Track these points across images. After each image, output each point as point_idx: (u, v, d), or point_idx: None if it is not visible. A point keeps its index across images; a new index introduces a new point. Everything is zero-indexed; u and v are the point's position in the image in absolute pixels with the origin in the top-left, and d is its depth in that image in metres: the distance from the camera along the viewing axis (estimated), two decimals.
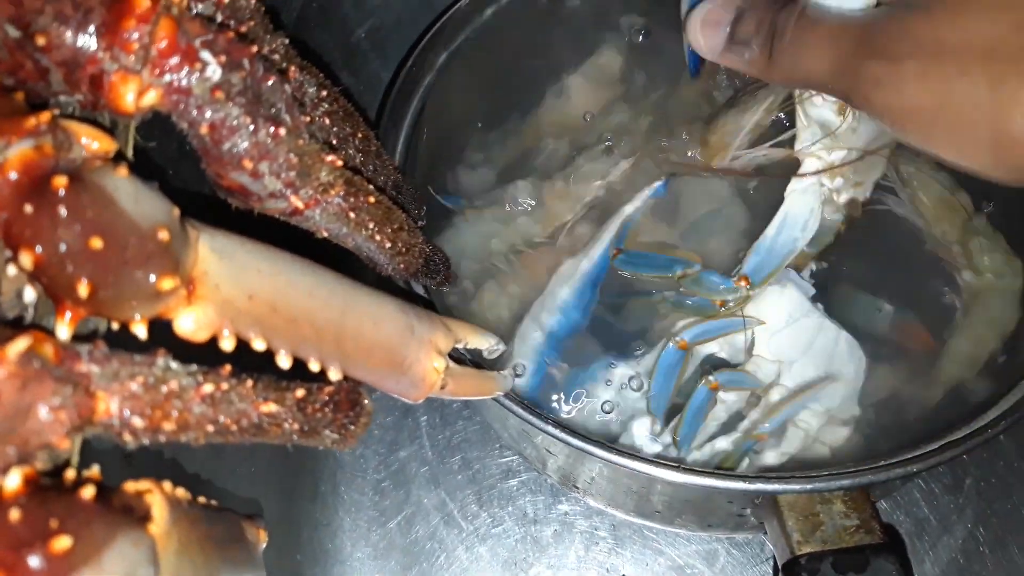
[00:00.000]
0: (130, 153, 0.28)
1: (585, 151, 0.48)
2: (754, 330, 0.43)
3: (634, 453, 0.35)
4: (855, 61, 0.30)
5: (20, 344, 0.18)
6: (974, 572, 0.50)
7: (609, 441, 0.39)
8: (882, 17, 0.31)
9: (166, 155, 0.31)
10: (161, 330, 0.24)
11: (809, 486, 0.34)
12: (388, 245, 0.31)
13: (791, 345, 0.42)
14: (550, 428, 0.36)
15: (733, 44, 0.35)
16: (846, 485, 0.34)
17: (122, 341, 0.23)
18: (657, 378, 0.42)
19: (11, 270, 0.21)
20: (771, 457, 0.41)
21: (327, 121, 0.31)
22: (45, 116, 0.21)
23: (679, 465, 0.35)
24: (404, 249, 0.32)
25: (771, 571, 0.49)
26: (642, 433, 0.42)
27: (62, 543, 0.18)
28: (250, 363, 0.26)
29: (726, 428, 0.42)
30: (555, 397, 0.43)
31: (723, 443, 0.40)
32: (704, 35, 0.36)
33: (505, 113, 0.50)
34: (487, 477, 0.53)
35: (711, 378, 0.41)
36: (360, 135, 0.32)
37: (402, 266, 0.33)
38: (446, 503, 0.53)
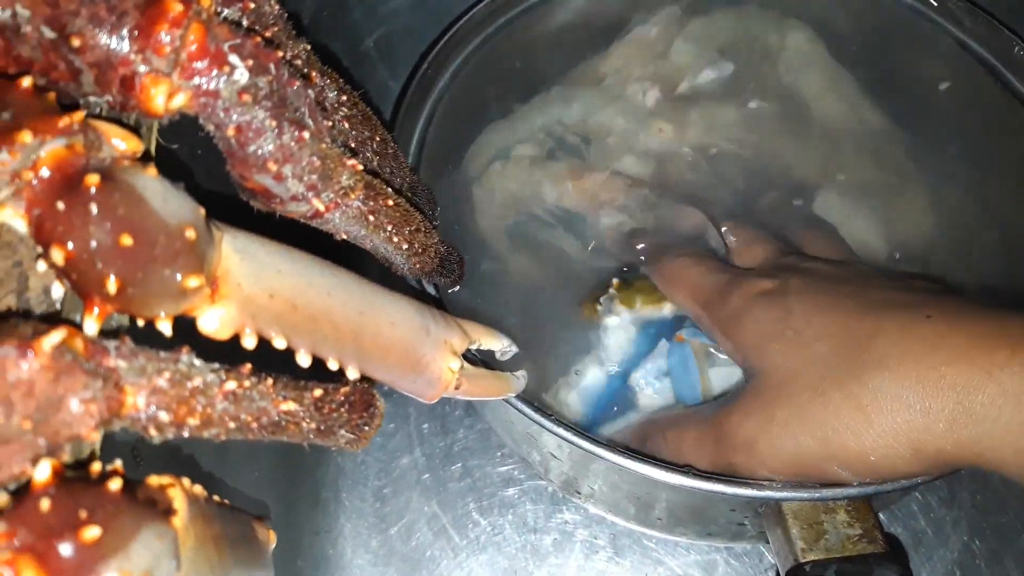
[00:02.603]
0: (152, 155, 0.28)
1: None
2: None
3: (641, 456, 0.36)
4: (722, 454, 0.37)
5: (55, 336, 0.19)
6: None
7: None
8: (716, 415, 0.38)
9: (187, 157, 0.32)
10: (182, 328, 0.24)
11: (816, 494, 0.35)
12: (405, 246, 0.31)
13: None
14: (558, 429, 0.36)
15: None
16: (851, 494, 0.35)
17: (144, 340, 0.24)
18: (675, 379, 0.43)
19: (40, 266, 0.22)
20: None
21: (346, 125, 0.31)
22: (78, 116, 0.21)
23: (688, 470, 0.35)
24: (420, 250, 0.33)
25: None
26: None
27: (91, 533, 0.18)
28: (265, 364, 0.26)
29: None
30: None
31: None
32: None
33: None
34: (487, 485, 0.53)
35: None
36: (378, 138, 0.33)
37: (418, 266, 0.33)
38: (446, 511, 0.53)
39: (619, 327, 0.45)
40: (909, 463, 0.32)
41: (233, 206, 0.27)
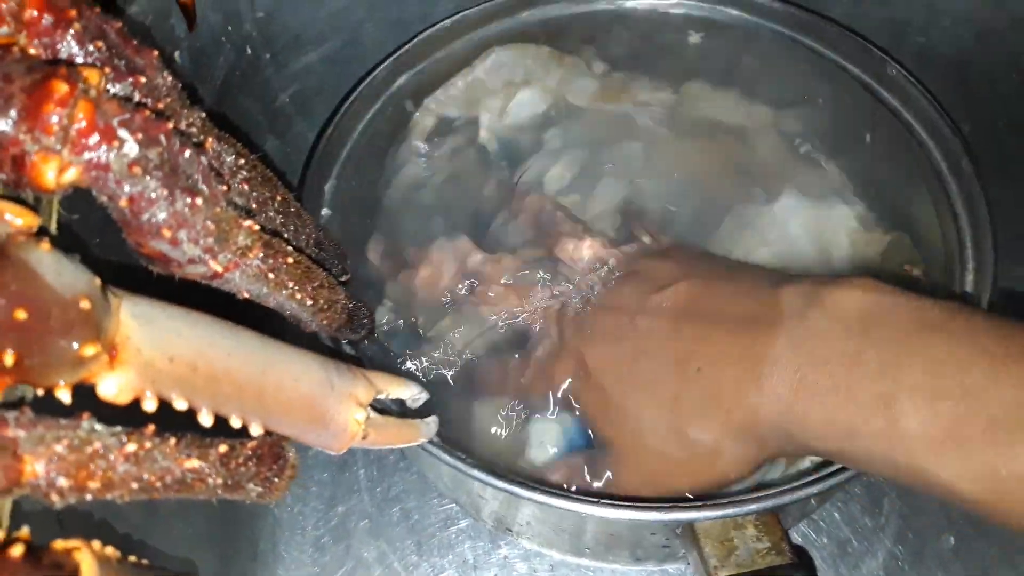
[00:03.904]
0: (54, 227, 0.29)
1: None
2: None
3: (557, 491, 0.37)
4: None
5: None
6: None
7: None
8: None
9: (90, 226, 0.32)
10: (87, 395, 0.25)
11: (721, 512, 0.36)
12: (309, 303, 0.32)
13: None
14: (476, 472, 0.37)
15: None
16: (755, 509, 0.37)
17: (48, 407, 0.24)
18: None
19: None
20: None
21: (246, 187, 0.32)
22: None
23: (598, 500, 0.36)
24: (326, 306, 0.34)
25: None
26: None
27: None
28: (183, 424, 0.27)
29: None
30: None
31: None
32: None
33: None
34: (427, 527, 0.54)
35: None
36: (279, 197, 0.34)
37: (325, 322, 0.34)
38: (386, 555, 0.53)
39: None
40: (723, 486, 0.40)
41: (141, 271, 0.28)
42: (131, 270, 0.27)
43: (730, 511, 0.36)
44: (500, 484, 0.37)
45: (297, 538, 0.54)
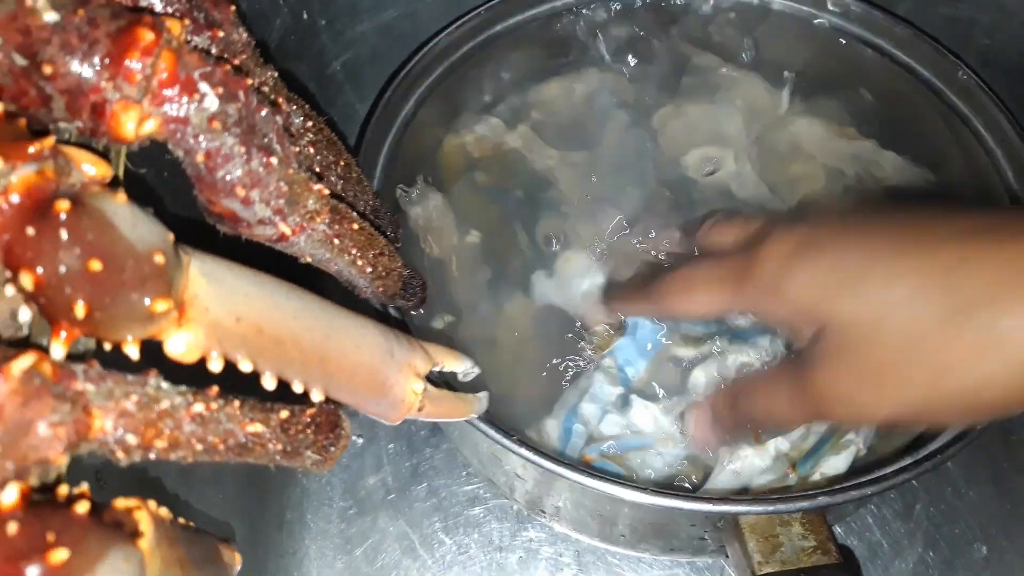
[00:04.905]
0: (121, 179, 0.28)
1: None
2: None
3: (601, 475, 0.37)
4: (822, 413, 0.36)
5: (24, 361, 0.19)
6: None
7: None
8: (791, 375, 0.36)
9: (153, 182, 0.32)
10: (149, 352, 0.24)
11: (770, 508, 0.36)
12: (369, 270, 0.32)
13: None
14: (521, 449, 0.37)
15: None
16: (804, 507, 0.36)
17: (111, 362, 0.24)
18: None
19: (8, 291, 0.22)
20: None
21: (312, 150, 0.32)
22: (48, 142, 0.21)
23: (647, 487, 0.36)
24: (384, 273, 0.33)
25: None
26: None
27: (59, 555, 0.18)
28: (233, 387, 0.27)
29: None
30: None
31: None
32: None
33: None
34: (453, 504, 0.54)
35: None
36: (342, 163, 0.33)
37: (381, 289, 0.34)
38: (412, 531, 0.53)
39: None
40: None
41: (200, 229, 0.28)
42: (192, 228, 0.27)
43: (779, 507, 0.36)
44: (546, 464, 0.36)
45: (324, 509, 0.54)
